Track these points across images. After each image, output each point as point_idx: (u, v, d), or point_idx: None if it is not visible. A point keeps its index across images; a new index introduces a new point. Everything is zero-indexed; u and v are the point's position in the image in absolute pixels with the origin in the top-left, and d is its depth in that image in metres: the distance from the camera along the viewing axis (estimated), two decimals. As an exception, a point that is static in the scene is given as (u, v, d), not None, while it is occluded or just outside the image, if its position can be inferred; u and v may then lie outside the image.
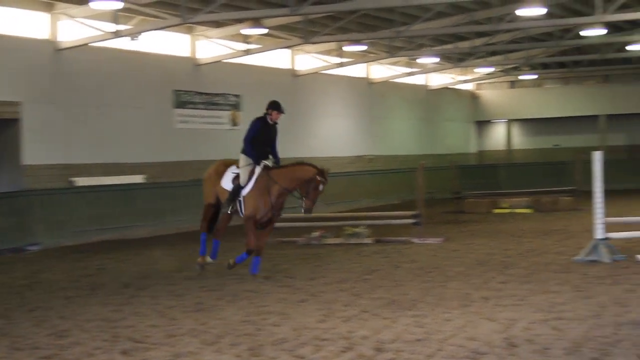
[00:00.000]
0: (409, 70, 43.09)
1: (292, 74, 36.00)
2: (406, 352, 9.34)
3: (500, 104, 51.71)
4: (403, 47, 38.03)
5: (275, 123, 16.01)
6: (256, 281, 14.94)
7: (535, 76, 49.10)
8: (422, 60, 40.52)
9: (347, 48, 34.84)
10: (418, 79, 45.82)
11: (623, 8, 30.83)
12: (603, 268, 15.29)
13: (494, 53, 42.21)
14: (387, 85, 42.32)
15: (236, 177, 15.84)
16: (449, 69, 44.61)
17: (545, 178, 37.56)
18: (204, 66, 31.25)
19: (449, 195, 32.65)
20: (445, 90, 48.59)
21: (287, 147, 34.53)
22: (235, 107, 32.57)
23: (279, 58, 35.35)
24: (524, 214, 28.41)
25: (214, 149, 31.07)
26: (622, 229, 18.03)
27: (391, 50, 37.17)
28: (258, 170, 15.68)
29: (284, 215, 16.99)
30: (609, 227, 16.63)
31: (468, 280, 14.40)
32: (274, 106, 15.99)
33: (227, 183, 16.00)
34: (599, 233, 16.33)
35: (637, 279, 13.89)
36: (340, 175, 35.42)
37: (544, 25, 33.38)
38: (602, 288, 13.11)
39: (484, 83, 51.60)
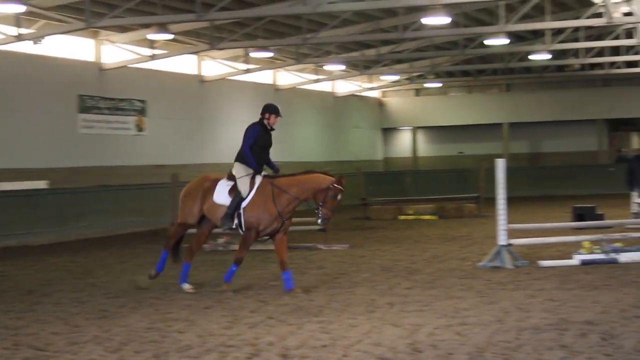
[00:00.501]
0: (315, 77, 43.21)
1: (199, 79, 35.83)
2: (311, 358, 9.36)
3: (406, 111, 52.19)
4: (310, 54, 38.14)
5: (272, 128, 14.99)
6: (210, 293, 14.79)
7: (440, 84, 49.65)
8: (328, 67, 40.69)
9: (253, 54, 34.82)
10: (325, 86, 46.00)
11: (525, 18, 31.39)
12: (506, 274, 15.52)
13: (399, 61, 42.57)
14: (294, 92, 42.38)
15: (232, 189, 14.53)
16: (356, 76, 44.86)
17: (450, 185, 37.98)
18: (109, 71, 30.91)
19: (355, 202, 32.79)
20: (351, 98, 48.84)
21: (193, 153, 34.55)
22: (141, 112, 32.28)
23: (185, 64, 35.15)
24: (429, 221, 28.70)
25: (120, 155, 30.80)
26: (524, 236, 18.34)
27: (298, 57, 37.25)
28: (259, 179, 14.55)
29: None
30: (512, 234, 16.90)
31: (374, 286, 14.49)
32: (272, 110, 14.84)
33: (221, 197, 14.57)
34: (502, 239, 16.58)
35: (538, 284, 14.14)
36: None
37: (448, 34, 33.80)
38: (505, 294, 13.31)
39: (390, 90, 52.00)
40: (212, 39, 30.42)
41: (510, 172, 18.39)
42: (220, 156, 35.31)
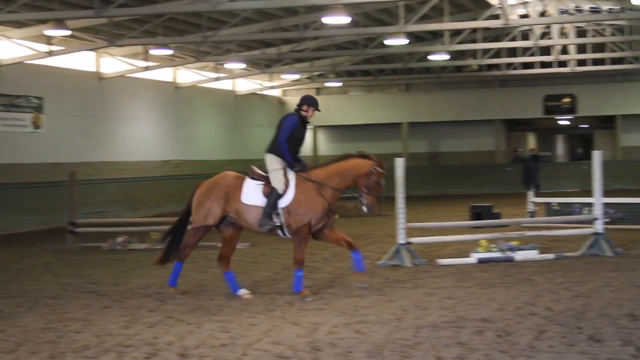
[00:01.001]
0: (216, 75, 42.99)
1: (97, 76, 35.33)
2: (210, 358, 9.32)
3: (307, 110, 52.21)
4: (210, 52, 37.94)
5: (309, 122, 13.98)
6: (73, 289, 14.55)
7: (341, 84, 49.85)
8: (229, 65, 40.54)
9: (153, 52, 34.46)
10: (225, 85, 45.80)
11: (424, 19, 31.73)
12: (405, 272, 15.67)
13: (300, 60, 42.62)
14: (194, 90, 42.12)
15: (265, 188, 13.47)
16: (256, 75, 44.79)
17: (350, 184, 38.08)
18: (5, 67, 30.28)
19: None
20: (252, 96, 48.75)
21: (92, 151, 34.10)
22: (38, 109, 31.69)
23: (83, 60, 34.62)
24: (329, 219, 28.77)
25: (15, 152, 30.21)
26: (423, 234, 18.56)
27: (198, 55, 37.03)
28: (292, 174, 13.59)
29: (87, 220, 16.66)
30: (411, 232, 17.08)
31: (274, 285, 14.49)
32: (311, 102, 13.83)
33: (251, 198, 13.50)
34: (401, 238, 16.73)
35: (436, 282, 14.30)
36: (147, 180, 35.10)
37: (348, 34, 33.96)
38: (404, 292, 13.43)
39: (291, 89, 52.04)
40: (111, 35, 30.03)
41: (410, 172, 18.58)
42: (119, 154, 34.97)
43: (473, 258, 16.75)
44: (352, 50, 39.24)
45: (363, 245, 20.46)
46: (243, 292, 13.52)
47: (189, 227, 14.24)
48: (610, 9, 35.28)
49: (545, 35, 39.15)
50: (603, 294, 12.59)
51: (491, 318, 11.03)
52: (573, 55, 41.22)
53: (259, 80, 48.33)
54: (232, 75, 43.93)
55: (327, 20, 27.94)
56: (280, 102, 52.19)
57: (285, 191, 13.37)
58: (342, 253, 18.88)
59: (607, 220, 18.46)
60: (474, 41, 38.55)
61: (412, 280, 14.67)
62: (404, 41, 32.81)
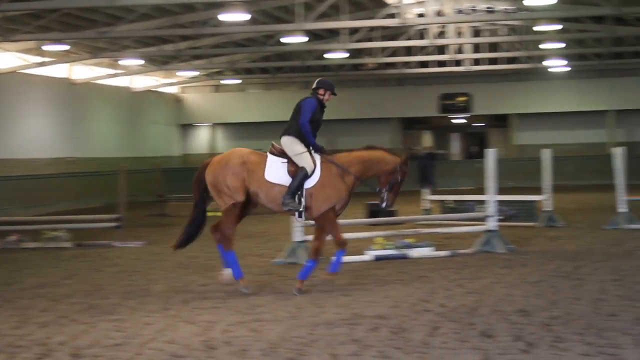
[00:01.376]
0: (112, 71, 42.47)
1: (-11, 72, 34.62)
2: (104, 358, 9.21)
3: (205, 107, 52.05)
4: (106, 48, 37.45)
5: (325, 106, 13.70)
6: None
7: (239, 81, 49.73)
8: (125, 62, 40.07)
9: (47, 47, 33.88)
10: (121, 81, 45.24)
11: (322, 17, 31.80)
12: (299, 270, 15.64)
13: (198, 57, 42.35)
14: (89, 87, 41.50)
15: (291, 166, 13.10)
16: (153, 71, 44.40)
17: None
18: None
19: (152, 199, 32.50)
20: (149, 93, 48.29)
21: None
22: None
23: (-25, 55, 33.92)
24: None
25: None
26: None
27: (94, 51, 36.53)
28: (317, 157, 13.26)
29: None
30: (308, 230, 17.10)
31: (169, 284, 14.39)
32: (328, 85, 13.60)
33: (276, 175, 13.11)
34: (298, 236, 16.75)
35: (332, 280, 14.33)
36: (39, 178, 34.48)
37: (246, 31, 33.85)
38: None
39: (188, 86, 51.73)
40: (4, 30, 29.45)
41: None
42: (10, 152, 34.26)
43: (369, 255, 16.86)
44: (250, 47, 39.14)
45: (261, 243, 20.48)
46: (228, 272, 13.23)
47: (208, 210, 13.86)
48: (505, 9, 35.86)
49: (441, 34, 39.61)
50: (495, 290, 12.79)
51: (386, 315, 11.12)
52: (468, 55, 41.83)
53: (156, 77, 47.91)
54: (129, 71, 43.43)
55: (225, 17, 27.88)
56: (177, 100, 51.85)
57: (314, 171, 13.11)
58: (240, 251, 18.80)
59: (500, 217, 18.74)
60: (371, 40, 38.80)
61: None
62: (302, 39, 32.87)
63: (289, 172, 13.09)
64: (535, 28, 35.47)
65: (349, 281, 14.20)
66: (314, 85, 13.67)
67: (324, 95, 13.60)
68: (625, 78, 47.42)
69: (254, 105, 51.49)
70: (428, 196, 25.43)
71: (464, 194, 28.63)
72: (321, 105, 13.61)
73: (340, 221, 17.87)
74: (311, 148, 13.35)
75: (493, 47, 42.34)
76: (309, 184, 13.05)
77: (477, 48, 42.12)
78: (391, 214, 23.91)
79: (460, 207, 23.78)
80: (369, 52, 42.24)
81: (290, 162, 13.17)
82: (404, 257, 16.83)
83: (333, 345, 9.52)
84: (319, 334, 10.08)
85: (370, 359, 8.97)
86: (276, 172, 13.14)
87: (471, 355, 8.95)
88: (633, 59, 44.46)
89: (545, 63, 43.22)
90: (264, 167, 13.20)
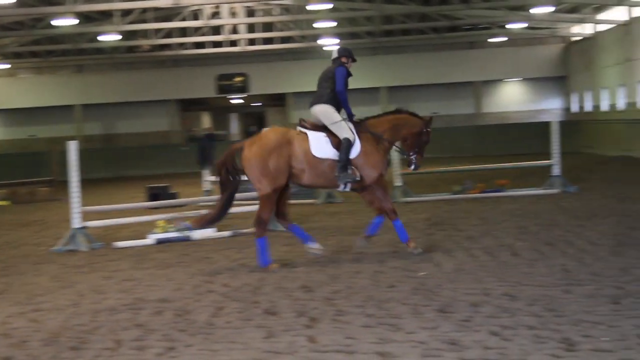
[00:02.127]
0: None
1: None
2: None
3: (-28, 94, 50.21)
4: None
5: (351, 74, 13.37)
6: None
7: (8, 66, 48.15)
8: None
9: None
10: None
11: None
12: (81, 257, 15.37)
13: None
14: None
15: (333, 138, 12.88)
16: None
17: (22, 169, 37.00)
18: None
19: None
20: None
21: None
22: None
23: None
24: (1, 207, 27.78)
25: None
26: (100, 218, 18.30)
27: None
28: (352, 125, 13.04)
29: None
30: (87, 216, 16.78)
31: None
32: (349, 53, 13.40)
33: (322, 150, 12.86)
34: (76, 222, 16.40)
35: (114, 265, 14.14)
36: None
37: (14, 14, 32.84)
38: (81, 276, 13.18)
39: (-45, 72, 49.77)
40: None
41: (84, 154, 18.29)
42: None
43: (151, 239, 16.70)
44: (19, 31, 37.99)
45: (37, 231, 19.94)
46: (314, 245, 13.36)
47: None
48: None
49: (215, 15, 39.61)
50: (279, 268, 12.90)
51: (170, 298, 11.06)
52: (243, 35, 42.05)
53: None
54: None
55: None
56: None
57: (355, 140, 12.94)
58: (15, 241, 18.28)
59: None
60: (145, 21, 38.38)
61: (88, 264, 14.41)
62: (74, 21, 32.17)
63: (333, 144, 12.95)
64: (308, 7, 35.96)
65: (130, 266, 14.03)
66: (335, 55, 13.47)
67: (347, 62, 13.39)
68: (396, 55, 48.87)
69: (25, 90, 50.06)
70: (208, 177, 25.41)
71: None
72: (348, 73, 13.37)
73: (121, 206, 17.63)
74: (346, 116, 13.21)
75: (268, 27, 42.75)
76: (353, 154, 12.94)
77: (252, 28, 42.39)
78: (172, 196, 23.86)
79: (240, 187, 23.83)
80: (143, 33, 41.78)
81: (330, 134, 13.03)
82: (186, 240, 16.75)
83: (116, 331, 9.40)
84: (101, 321, 9.92)
85: (154, 342, 8.90)
86: (322, 146, 12.97)
87: (255, 333, 9.01)
88: (402, 37, 45.84)
89: (319, 42, 43.92)
90: (308, 143, 12.99)
